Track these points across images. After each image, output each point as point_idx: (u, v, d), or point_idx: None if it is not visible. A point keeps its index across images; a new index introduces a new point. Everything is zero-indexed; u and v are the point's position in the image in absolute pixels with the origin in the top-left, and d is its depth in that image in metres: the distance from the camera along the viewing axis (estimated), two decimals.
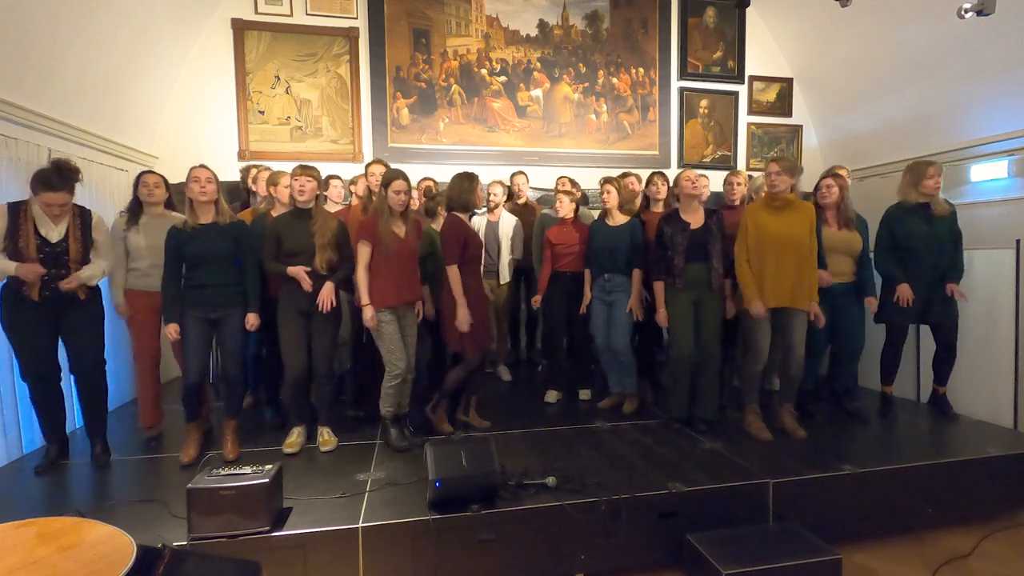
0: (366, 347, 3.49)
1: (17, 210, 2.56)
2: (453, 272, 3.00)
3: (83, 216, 2.73)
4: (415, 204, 3.57)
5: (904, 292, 3.29)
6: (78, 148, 3.49)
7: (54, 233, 2.61)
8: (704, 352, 3.17)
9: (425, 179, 4.16)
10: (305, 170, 2.88)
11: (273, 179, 3.31)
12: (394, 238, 2.87)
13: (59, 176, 2.53)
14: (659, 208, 3.62)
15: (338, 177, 3.83)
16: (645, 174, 3.84)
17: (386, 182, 2.88)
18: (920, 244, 3.29)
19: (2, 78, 2.87)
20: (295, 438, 2.95)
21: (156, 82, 4.29)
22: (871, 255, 3.45)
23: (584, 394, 3.83)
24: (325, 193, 3.58)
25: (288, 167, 4.33)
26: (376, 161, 3.68)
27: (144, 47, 3.94)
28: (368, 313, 2.83)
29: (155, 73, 4.22)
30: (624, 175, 3.94)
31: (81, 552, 1.40)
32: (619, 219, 3.45)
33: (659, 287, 3.21)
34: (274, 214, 3.18)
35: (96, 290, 2.82)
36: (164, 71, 4.33)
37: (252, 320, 2.83)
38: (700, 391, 3.22)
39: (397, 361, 2.90)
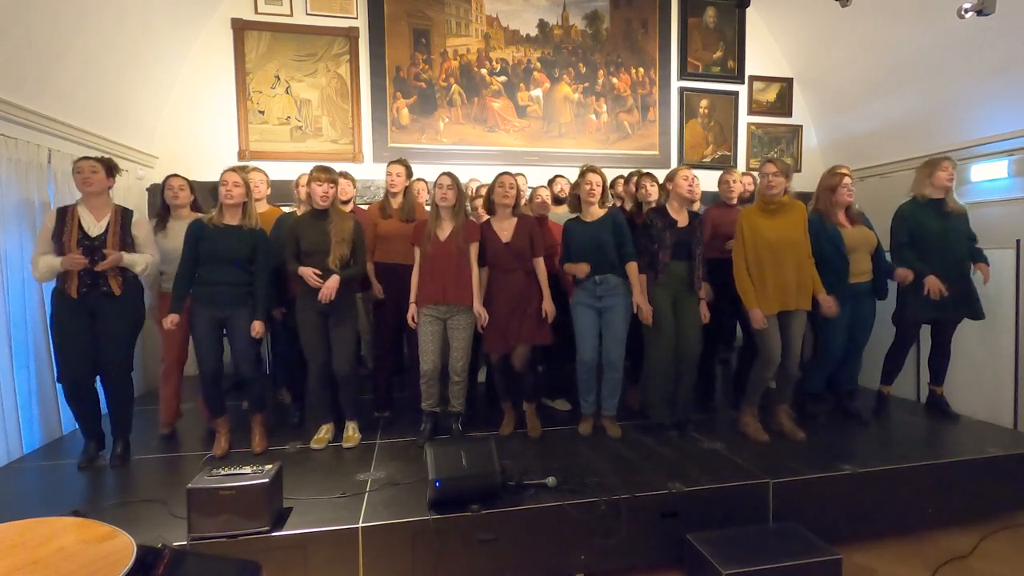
0: (387, 348, 3.50)
1: (64, 212, 2.75)
2: (483, 273, 3.10)
3: (124, 215, 2.85)
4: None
5: (933, 284, 3.21)
6: (78, 148, 3.48)
7: (95, 228, 2.75)
8: (683, 355, 3.07)
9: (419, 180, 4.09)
10: (324, 173, 2.89)
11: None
12: (434, 240, 2.97)
13: (98, 158, 2.85)
14: None
15: (348, 175, 3.71)
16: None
17: (436, 183, 3.00)
18: (935, 240, 3.27)
19: (2, 78, 2.87)
20: (323, 434, 3.04)
21: (156, 82, 4.28)
22: (886, 253, 3.41)
23: (560, 404, 3.65)
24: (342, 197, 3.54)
25: (288, 167, 4.43)
26: (397, 161, 3.55)
27: (144, 47, 3.94)
28: (410, 311, 2.99)
29: (155, 73, 4.22)
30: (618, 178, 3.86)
31: (81, 552, 1.40)
32: (597, 213, 3.09)
33: (642, 280, 3.07)
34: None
35: (137, 289, 2.87)
36: (164, 71, 4.33)
37: (257, 328, 2.82)
38: (678, 394, 3.14)
39: (423, 361, 3.01)
